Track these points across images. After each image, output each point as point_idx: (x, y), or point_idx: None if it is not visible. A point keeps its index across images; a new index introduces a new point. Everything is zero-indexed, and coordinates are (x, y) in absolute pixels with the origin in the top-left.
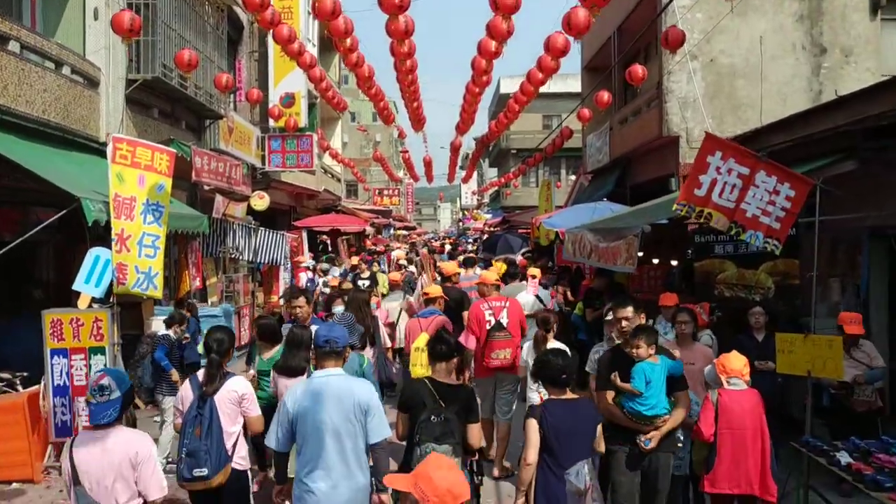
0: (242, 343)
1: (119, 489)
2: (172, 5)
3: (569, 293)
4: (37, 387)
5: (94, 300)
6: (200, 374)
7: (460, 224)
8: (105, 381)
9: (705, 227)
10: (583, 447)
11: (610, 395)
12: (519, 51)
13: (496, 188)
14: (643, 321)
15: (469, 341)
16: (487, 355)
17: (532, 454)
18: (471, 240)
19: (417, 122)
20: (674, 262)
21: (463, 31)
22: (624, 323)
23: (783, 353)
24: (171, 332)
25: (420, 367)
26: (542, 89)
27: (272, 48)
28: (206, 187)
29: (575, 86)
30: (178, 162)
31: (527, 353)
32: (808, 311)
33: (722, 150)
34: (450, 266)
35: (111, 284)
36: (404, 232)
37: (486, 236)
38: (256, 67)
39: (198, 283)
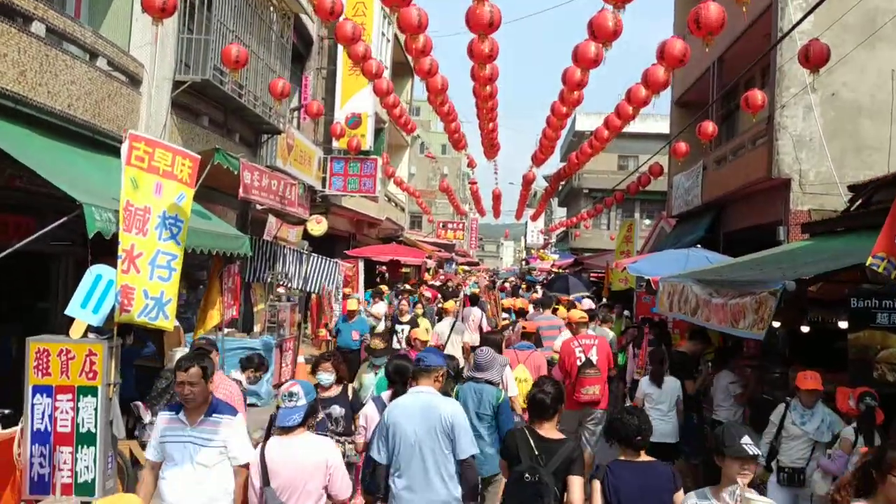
0: (283, 380)
1: (308, 491)
2: (231, 4)
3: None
4: (12, 430)
5: (90, 329)
6: (385, 395)
7: (523, 263)
8: (295, 388)
9: (863, 290)
10: None
11: None
12: (594, 86)
13: (564, 228)
14: None
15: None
16: (578, 390)
17: None
18: (539, 279)
19: (491, 147)
20: (804, 329)
21: (538, 61)
22: None
23: None
24: (243, 378)
25: (521, 397)
26: None
27: (341, 65)
28: (258, 207)
29: (654, 126)
30: (225, 176)
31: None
32: None
33: None
34: (521, 302)
35: (112, 311)
36: (466, 267)
37: (551, 276)
38: (324, 86)
39: (234, 312)
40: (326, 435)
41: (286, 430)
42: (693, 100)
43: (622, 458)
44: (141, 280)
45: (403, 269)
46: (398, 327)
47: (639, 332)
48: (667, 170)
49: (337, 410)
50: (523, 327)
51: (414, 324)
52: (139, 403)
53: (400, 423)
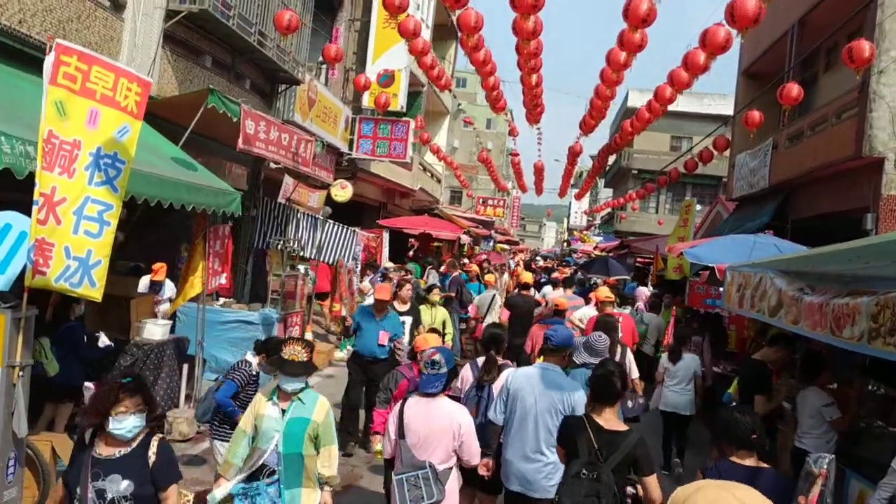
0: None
1: (438, 450)
2: None
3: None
4: None
5: None
6: (480, 360)
7: (565, 245)
8: (437, 357)
9: None
10: None
11: None
12: (648, 64)
13: (610, 209)
14: None
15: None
16: None
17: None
18: (574, 262)
19: (534, 108)
20: None
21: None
22: None
23: None
24: (254, 361)
25: None
26: (672, 107)
27: (376, 17)
28: (272, 165)
29: (711, 106)
30: (230, 126)
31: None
32: None
33: None
34: (527, 275)
35: (23, 272)
36: (506, 246)
37: (591, 258)
38: (356, 39)
39: (223, 280)
40: None
41: (427, 395)
42: (764, 70)
43: (733, 458)
44: (62, 234)
45: (435, 244)
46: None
47: (698, 327)
48: (730, 148)
49: (119, 486)
50: (556, 304)
51: (416, 316)
52: (90, 384)
53: (522, 391)
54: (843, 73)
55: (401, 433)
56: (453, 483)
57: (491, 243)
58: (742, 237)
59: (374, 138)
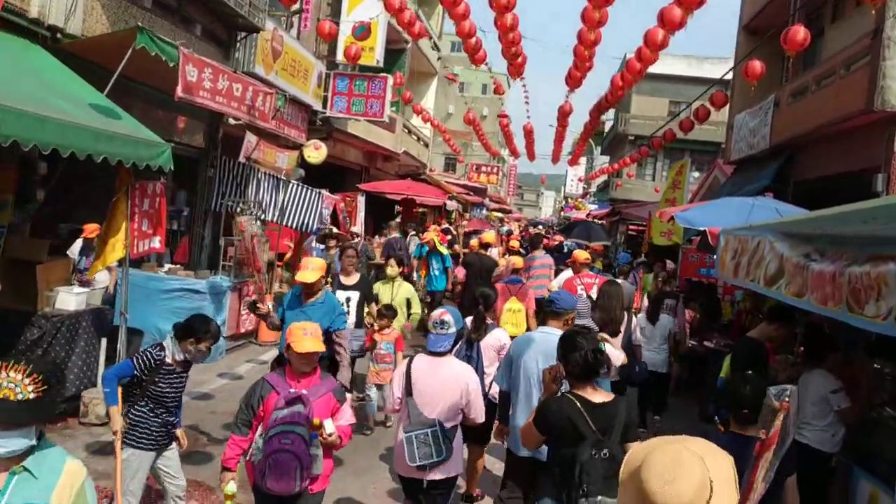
0: (240, 331)
1: (444, 408)
2: None
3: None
4: None
5: None
6: (468, 320)
7: (562, 213)
8: (446, 317)
9: None
10: None
11: None
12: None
13: (605, 175)
14: None
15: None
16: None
17: None
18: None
19: (514, 59)
20: None
21: None
22: None
23: None
24: (169, 348)
25: (512, 325)
26: (671, 71)
27: None
28: (230, 121)
29: (712, 70)
30: (174, 73)
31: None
32: None
33: None
34: (490, 236)
35: None
36: (500, 214)
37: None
38: None
39: (156, 243)
40: None
41: (435, 354)
42: (765, 25)
43: (733, 430)
44: None
45: (419, 209)
46: (341, 294)
47: (686, 297)
48: (729, 107)
49: None
50: (514, 264)
51: (366, 290)
52: None
53: (523, 357)
54: (851, 23)
55: (408, 391)
56: (458, 442)
57: (483, 211)
58: (739, 199)
59: (350, 95)
